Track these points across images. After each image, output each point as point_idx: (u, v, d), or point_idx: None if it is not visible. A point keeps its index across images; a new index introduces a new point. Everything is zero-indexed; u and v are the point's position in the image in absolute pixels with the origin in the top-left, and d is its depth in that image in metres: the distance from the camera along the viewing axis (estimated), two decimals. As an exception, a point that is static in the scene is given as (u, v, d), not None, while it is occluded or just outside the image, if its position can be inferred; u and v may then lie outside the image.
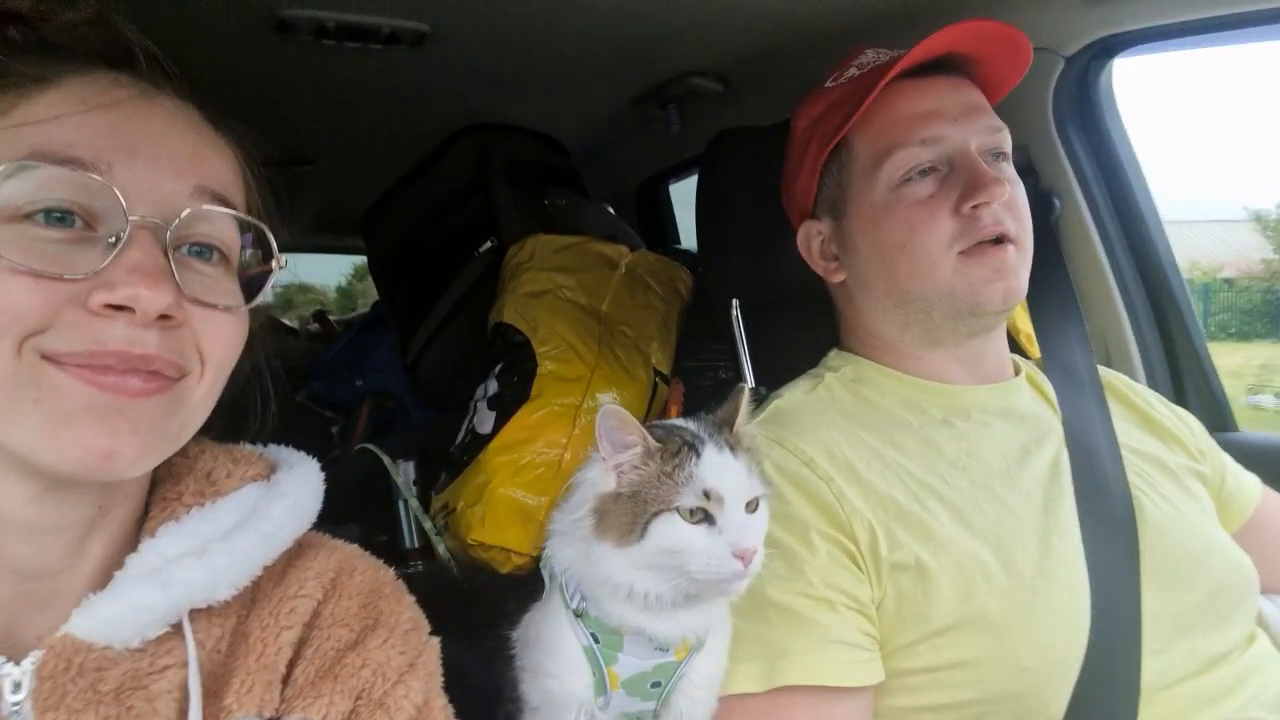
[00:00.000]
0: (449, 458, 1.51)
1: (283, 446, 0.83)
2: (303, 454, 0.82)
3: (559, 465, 1.36)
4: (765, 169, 1.23)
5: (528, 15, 1.46)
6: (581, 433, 1.40)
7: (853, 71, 1.06)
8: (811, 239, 1.09)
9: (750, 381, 1.34)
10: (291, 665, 0.70)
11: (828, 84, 1.09)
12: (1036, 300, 1.23)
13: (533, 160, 1.96)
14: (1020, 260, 0.98)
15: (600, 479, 0.73)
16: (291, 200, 2.38)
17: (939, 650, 0.82)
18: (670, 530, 0.69)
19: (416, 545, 1.57)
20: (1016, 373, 1.09)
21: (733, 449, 0.74)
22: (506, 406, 1.41)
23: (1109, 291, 1.39)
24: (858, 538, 0.85)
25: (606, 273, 1.58)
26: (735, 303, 1.34)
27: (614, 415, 0.71)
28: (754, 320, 1.37)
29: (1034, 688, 0.80)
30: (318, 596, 0.73)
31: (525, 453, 1.36)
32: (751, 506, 0.72)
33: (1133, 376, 1.37)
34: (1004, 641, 0.80)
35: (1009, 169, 1.01)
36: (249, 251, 0.70)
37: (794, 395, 1.03)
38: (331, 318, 3.10)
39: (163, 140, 0.63)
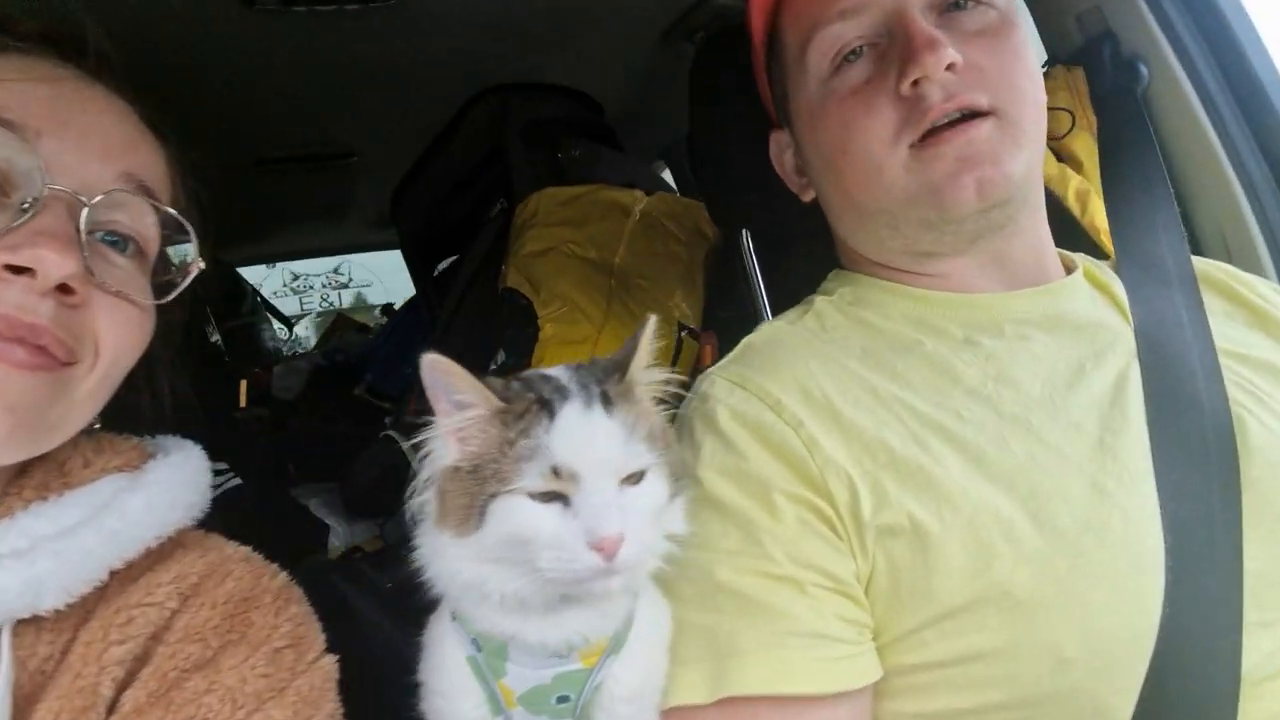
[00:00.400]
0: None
1: (172, 436, 0.75)
2: (189, 441, 0.74)
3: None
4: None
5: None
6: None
7: None
8: (782, 151, 0.92)
9: (767, 318, 1.16)
10: (123, 688, 0.59)
11: None
12: (1113, 187, 0.99)
13: (555, 117, 1.81)
14: (1004, 136, 0.73)
15: (441, 449, 0.58)
16: (348, 195, 2.32)
17: (950, 638, 0.61)
18: (511, 515, 0.54)
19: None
20: (1069, 272, 0.85)
21: (609, 405, 0.56)
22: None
23: (1223, 175, 1.11)
24: (834, 496, 0.66)
25: (619, 222, 1.42)
26: (745, 233, 1.17)
27: (441, 366, 0.55)
28: (772, 253, 1.19)
29: (1084, 685, 0.58)
30: (171, 606, 0.62)
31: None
32: (633, 479, 0.55)
33: (1261, 274, 1.08)
34: (1037, 624, 0.59)
35: (978, 18, 0.76)
36: (169, 251, 0.67)
37: (773, 327, 0.84)
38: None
39: (96, 122, 0.62)
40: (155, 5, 1.33)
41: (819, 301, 0.85)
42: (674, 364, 1.37)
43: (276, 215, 2.83)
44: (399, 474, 1.56)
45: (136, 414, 0.72)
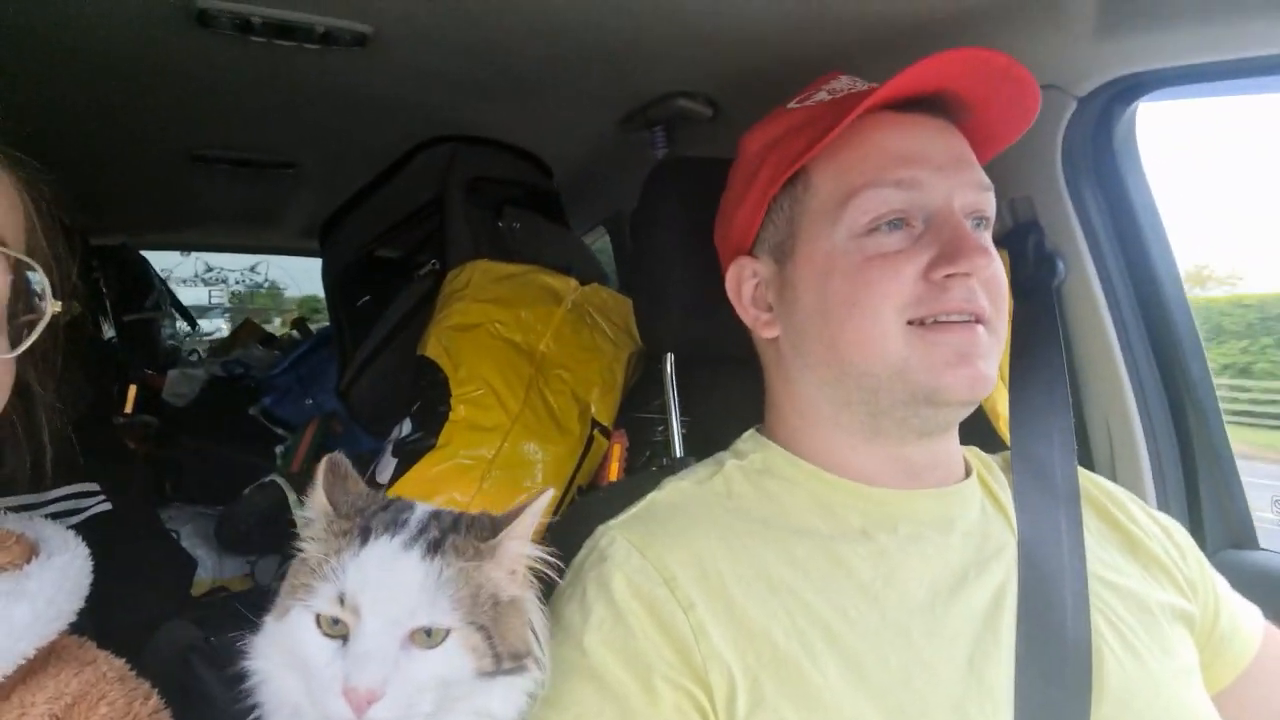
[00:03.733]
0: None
1: (49, 522, 0.70)
2: (69, 534, 0.69)
3: (454, 528, 1.19)
4: (710, 207, 1.06)
5: (490, 21, 1.32)
6: (491, 488, 1.24)
7: (822, 95, 0.90)
8: (744, 280, 0.91)
9: (678, 450, 1.17)
10: None
11: (790, 105, 0.92)
12: (1019, 378, 1.04)
13: (504, 178, 1.80)
14: (993, 344, 0.79)
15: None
16: (282, 203, 2.26)
17: None
18: (294, 628, 0.53)
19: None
20: (968, 474, 0.88)
21: (431, 552, 0.56)
22: (410, 454, 1.26)
23: (1116, 374, 1.18)
24: (713, 689, 0.66)
25: (550, 309, 1.41)
26: (669, 358, 1.18)
27: (340, 469, 0.54)
28: (693, 378, 1.20)
29: None
30: None
31: (419, 510, 1.19)
32: (425, 639, 0.54)
33: (1137, 477, 1.15)
34: None
35: (989, 239, 0.83)
36: (23, 295, 0.61)
37: (680, 486, 0.85)
38: (314, 326, 3.00)
39: None
40: (105, 12, 1.28)
41: (729, 465, 0.86)
42: (582, 460, 1.37)
43: (203, 210, 2.73)
44: (278, 518, 1.51)
45: (13, 475, 0.68)
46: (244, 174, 2.32)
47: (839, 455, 0.84)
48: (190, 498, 1.90)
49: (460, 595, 0.55)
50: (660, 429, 1.43)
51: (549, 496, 0.60)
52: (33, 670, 0.60)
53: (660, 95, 1.68)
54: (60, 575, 0.62)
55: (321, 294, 2.26)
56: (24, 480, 0.70)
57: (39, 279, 0.60)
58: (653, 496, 0.83)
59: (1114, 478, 1.15)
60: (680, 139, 1.81)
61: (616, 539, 0.76)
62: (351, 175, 2.09)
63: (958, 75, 0.79)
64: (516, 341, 1.37)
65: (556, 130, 1.91)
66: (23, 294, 0.61)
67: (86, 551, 0.66)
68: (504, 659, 0.57)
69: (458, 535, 0.58)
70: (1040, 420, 0.98)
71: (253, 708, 0.65)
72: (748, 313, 0.91)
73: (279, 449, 2.01)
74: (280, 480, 1.45)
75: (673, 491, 0.83)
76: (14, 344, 0.59)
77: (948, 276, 0.75)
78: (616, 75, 1.59)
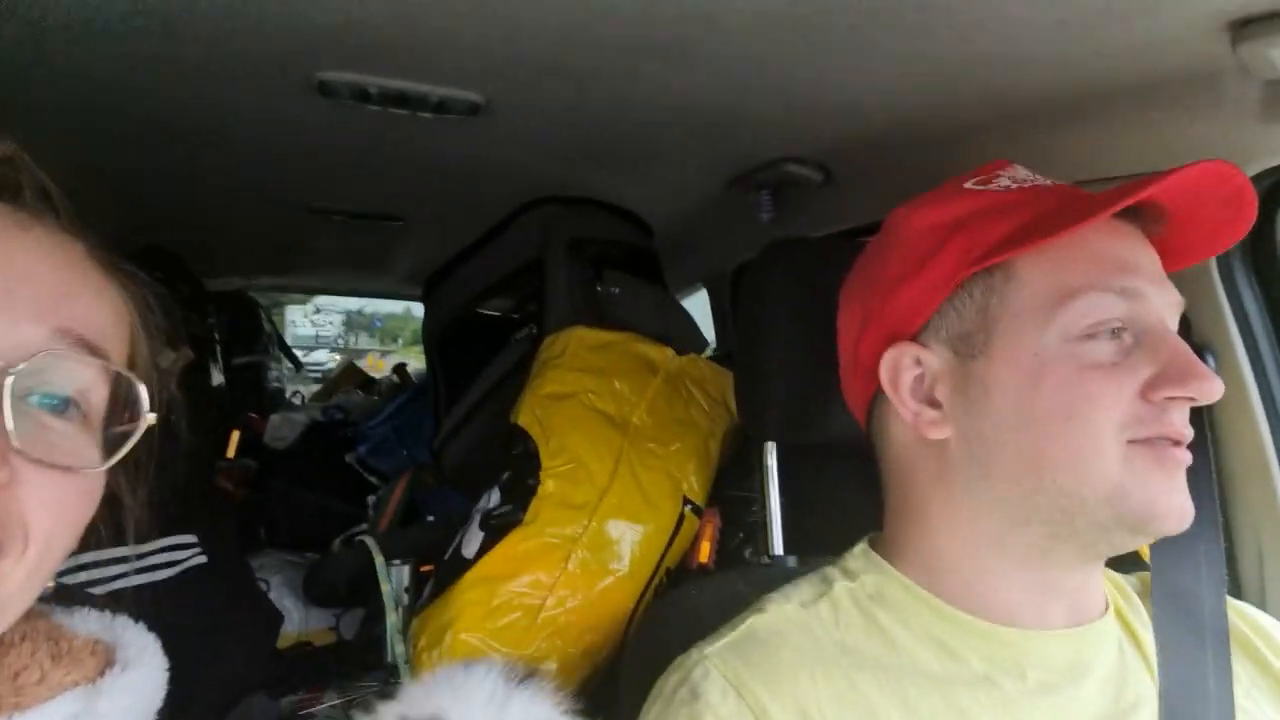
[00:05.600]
0: (439, 570, 1.34)
1: (130, 622, 0.69)
2: (149, 640, 0.67)
3: (538, 612, 1.15)
4: (820, 288, 1.00)
5: (598, 89, 1.31)
6: (577, 571, 1.20)
7: (1005, 182, 0.81)
8: (903, 369, 0.79)
9: (778, 548, 1.10)
10: None
11: (969, 185, 0.82)
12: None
13: (605, 239, 1.79)
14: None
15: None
16: (389, 252, 2.33)
17: None
18: None
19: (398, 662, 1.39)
20: (1105, 607, 0.78)
21: None
22: (497, 528, 1.22)
23: (1271, 488, 1.05)
24: None
25: (645, 379, 1.37)
26: (770, 446, 1.11)
27: None
28: (797, 467, 1.13)
29: None
30: None
31: (502, 590, 1.16)
32: None
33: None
34: None
35: None
36: (120, 405, 0.60)
37: (784, 609, 0.76)
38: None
39: (26, 276, 0.54)
40: (232, 84, 1.33)
41: (839, 588, 0.78)
42: (673, 538, 1.31)
43: (315, 257, 2.84)
44: (365, 576, 1.50)
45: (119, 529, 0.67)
46: (356, 225, 2.40)
47: (971, 584, 0.74)
48: (283, 545, 1.92)
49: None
50: (755, 509, 1.36)
51: None
52: None
53: (769, 160, 1.64)
54: (133, 694, 0.58)
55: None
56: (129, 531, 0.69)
57: (138, 391, 0.58)
58: (752, 622, 0.75)
59: (1264, 607, 1.02)
60: (788, 203, 1.76)
61: (711, 672, 0.70)
62: (457, 230, 2.13)
63: (1188, 189, 0.71)
64: (609, 413, 1.33)
65: (660, 192, 1.89)
66: (120, 404, 0.59)
67: (164, 664, 0.63)
68: None
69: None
70: (1186, 543, 0.87)
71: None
72: (906, 406, 0.79)
73: (371, 499, 2.02)
74: (369, 541, 1.44)
75: (775, 616, 0.76)
76: (108, 454, 0.57)
77: (1169, 399, 0.68)
78: (724, 140, 1.56)
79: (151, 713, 0.60)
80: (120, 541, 0.68)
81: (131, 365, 0.60)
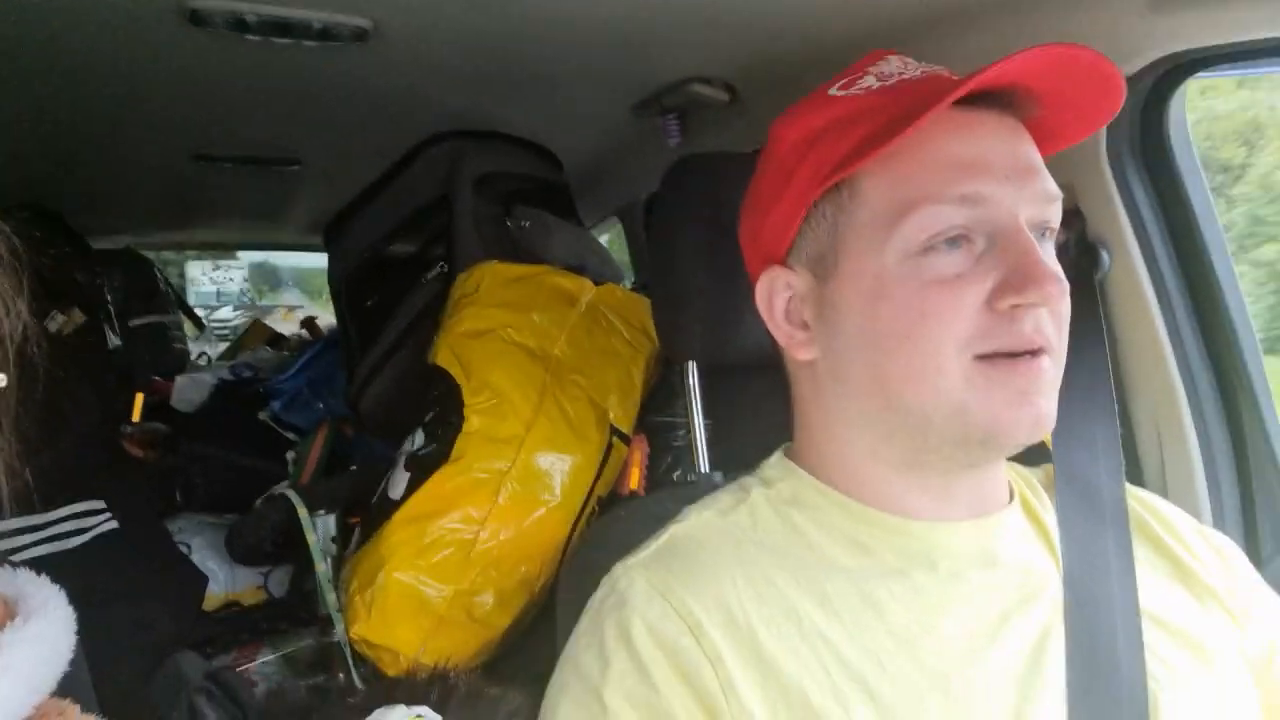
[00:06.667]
0: (367, 515, 1.31)
1: (33, 575, 0.65)
2: (53, 591, 0.64)
3: (470, 546, 1.15)
4: (732, 205, 1.00)
5: (493, 10, 1.26)
6: (507, 504, 1.19)
7: (869, 82, 0.78)
8: (776, 293, 0.80)
9: (704, 465, 1.11)
10: None
11: (832, 92, 0.79)
12: (1062, 390, 0.97)
13: (513, 173, 1.74)
14: (1055, 377, 0.70)
15: None
16: (287, 200, 2.22)
17: None
18: None
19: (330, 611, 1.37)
20: (1010, 496, 0.81)
21: None
22: (423, 467, 1.21)
23: (1167, 375, 1.11)
24: None
25: (563, 311, 1.36)
26: (691, 366, 1.12)
27: None
28: (718, 386, 1.14)
29: None
30: None
31: (433, 528, 1.15)
32: None
33: (1190, 490, 1.08)
34: None
35: (1052, 252, 0.73)
36: None
37: (703, 518, 0.77)
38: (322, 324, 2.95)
39: None
40: (91, 14, 1.23)
41: (755, 494, 0.79)
42: (602, 467, 1.31)
43: (208, 209, 2.69)
44: (289, 530, 1.46)
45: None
46: (248, 172, 2.27)
47: (873, 485, 0.76)
48: (201, 507, 1.86)
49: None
50: (681, 433, 1.38)
51: None
52: None
53: (675, 81, 1.61)
54: (37, 646, 0.55)
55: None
56: None
57: None
58: (674, 530, 0.76)
59: (1165, 492, 1.08)
60: (696, 127, 1.74)
61: (636, 580, 0.70)
62: (357, 171, 2.04)
63: (1036, 70, 0.69)
64: (530, 347, 1.32)
65: (565, 121, 1.84)
66: None
67: (69, 613, 0.60)
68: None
69: None
70: (1083, 430, 0.91)
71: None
72: (780, 330, 0.80)
73: (290, 455, 1.96)
74: (290, 494, 1.40)
75: (695, 524, 0.77)
76: None
77: (1014, 307, 0.67)
78: (628, 61, 1.52)
79: (61, 664, 0.57)
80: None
81: None
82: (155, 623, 1.33)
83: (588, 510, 1.28)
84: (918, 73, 0.76)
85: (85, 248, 2.27)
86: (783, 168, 0.78)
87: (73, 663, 0.60)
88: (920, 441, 0.72)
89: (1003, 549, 0.75)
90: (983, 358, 0.67)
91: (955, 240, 0.68)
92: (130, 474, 1.70)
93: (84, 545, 1.35)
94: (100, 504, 1.43)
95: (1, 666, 0.53)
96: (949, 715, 0.64)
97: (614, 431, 1.33)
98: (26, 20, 1.24)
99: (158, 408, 2.23)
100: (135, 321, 2.48)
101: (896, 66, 0.77)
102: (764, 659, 0.65)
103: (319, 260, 1.99)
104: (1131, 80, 1.06)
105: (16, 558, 1.32)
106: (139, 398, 2.05)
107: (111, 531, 1.41)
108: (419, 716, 0.62)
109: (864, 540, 0.74)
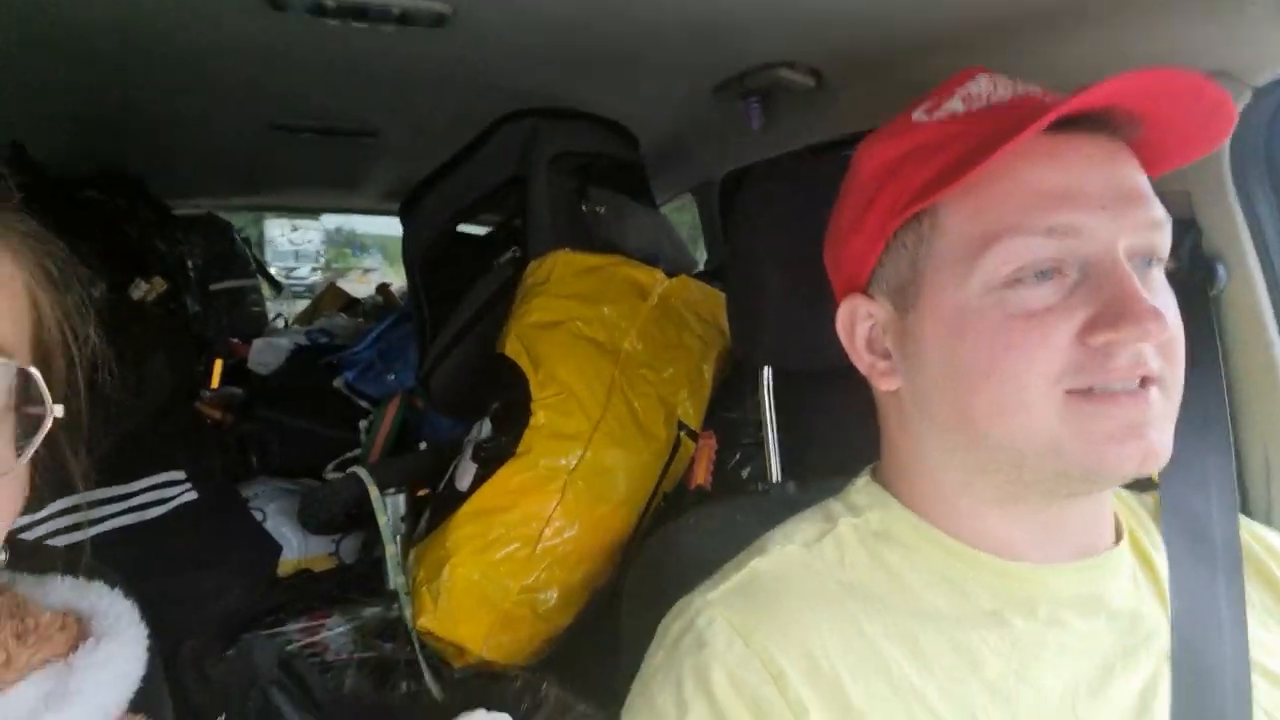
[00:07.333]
0: (436, 500, 1.33)
1: (106, 590, 0.65)
2: (125, 607, 0.64)
3: (535, 543, 1.14)
4: (811, 209, 0.95)
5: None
6: (572, 502, 1.18)
7: (954, 105, 0.74)
8: (858, 321, 0.78)
9: (776, 474, 1.09)
10: None
11: (916, 116, 0.76)
12: (1172, 416, 0.91)
13: (588, 151, 1.72)
14: (1167, 407, 0.65)
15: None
16: (365, 168, 2.25)
17: None
18: None
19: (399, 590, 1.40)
20: (1118, 538, 0.76)
21: None
22: (489, 461, 1.21)
23: (1280, 400, 1.03)
24: None
25: (634, 304, 1.33)
26: (766, 372, 1.08)
27: None
28: (794, 391, 1.11)
29: None
30: None
31: (498, 523, 1.15)
32: None
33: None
34: None
35: (1158, 276, 0.68)
36: (24, 396, 0.55)
37: (786, 550, 0.74)
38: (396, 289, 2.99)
39: None
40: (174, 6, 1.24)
41: (842, 525, 0.75)
42: (669, 464, 1.30)
43: (285, 176, 2.73)
44: (360, 505, 1.49)
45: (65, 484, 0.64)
46: (325, 141, 2.30)
47: (971, 521, 0.72)
48: (275, 472, 1.92)
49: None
50: (750, 430, 1.35)
51: None
52: None
53: (759, 65, 1.56)
54: (109, 671, 0.56)
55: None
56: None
57: (39, 385, 0.53)
58: (754, 565, 0.73)
59: (1271, 523, 1.01)
60: (778, 110, 1.68)
61: (716, 620, 0.68)
62: (435, 143, 2.04)
63: (1134, 93, 0.64)
64: (600, 340, 1.30)
65: (644, 101, 1.80)
66: (26, 393, 0.54)
67: (141, 632, 0.61)
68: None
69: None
70: (1194, 463, 0.85)
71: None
72: (862, 359, 0.78)
73: (363, 424, 2.00)
74: (362, 473, 1.42)
75: (778, 559, 0.73)
76: (28, 434, 0.53)
77: (1109, 343, 0.62)
78: (710, 43, 1.47)
79: (131, 685, 0.57)
80: (66, 492, 0.65)
81: (37, 333, 0.55)
82: (229, 591, 1.38)
83: (652, 507, 1.27)
84: (1007, 95, 0.72)
85: (167, 214, 2.33)
86: (863, 195, 0.76)
87: (146, 678, 0.61)
88: (1015, 475, 0.68)
89: (1108, 595, 0.71)
90: (1076, 392, 0.64)
91: (1046, 272, 0.65)
92: (207, 443, 1.76)
93: (164, 515, 1.40)
94: (181, 474, 1.47)
95: (72, 690, 0.53)
96: None
97: (682, 428, 1.30)
98: (118, 3, 1.26)
99: (234, 369, 2.30)
100: (214, 286, 2.55)
101: (985, 87, 0.73)
102: (851, 712, 0.62)
103: (399, 228, 2.00)
104: (1260, 91, 0.97)
105: (103, 527, 1.38)
106: (218, 364, 2.11)
107: (191, 502, 1.45)
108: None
109: (960, 582, 0.70)
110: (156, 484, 1.42)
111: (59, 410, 0.53)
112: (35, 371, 0.53)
